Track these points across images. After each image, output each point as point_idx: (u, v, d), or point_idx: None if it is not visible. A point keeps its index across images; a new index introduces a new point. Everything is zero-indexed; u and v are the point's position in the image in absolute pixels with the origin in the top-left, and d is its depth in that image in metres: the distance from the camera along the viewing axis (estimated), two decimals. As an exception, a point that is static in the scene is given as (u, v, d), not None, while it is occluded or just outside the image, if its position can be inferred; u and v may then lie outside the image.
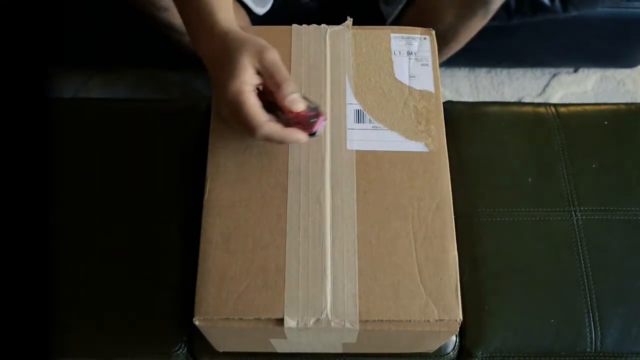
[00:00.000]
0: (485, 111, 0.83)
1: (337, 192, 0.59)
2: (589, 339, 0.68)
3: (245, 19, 0.90)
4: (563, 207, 0.74)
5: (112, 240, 0.71)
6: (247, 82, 0.56)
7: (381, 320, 0.55)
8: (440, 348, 0.69)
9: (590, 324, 0.69)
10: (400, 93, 0.65)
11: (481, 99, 1.24)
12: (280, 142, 0.57)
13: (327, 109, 0.63)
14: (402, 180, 0.60)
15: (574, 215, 0.74)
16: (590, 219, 0.74)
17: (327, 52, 0.67)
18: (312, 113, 0.57)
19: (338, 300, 0.55)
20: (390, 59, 0.67)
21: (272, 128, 0.55)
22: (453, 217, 0.59)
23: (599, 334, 0.69)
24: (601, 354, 0.69)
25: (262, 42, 0.57)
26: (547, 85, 1.26)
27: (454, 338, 0.70)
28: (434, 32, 0.69)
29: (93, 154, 0.76)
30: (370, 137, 0.62)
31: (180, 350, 0.69)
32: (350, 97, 0.64)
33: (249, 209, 0.59)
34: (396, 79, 0.66)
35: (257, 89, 0.58)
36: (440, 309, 0.55)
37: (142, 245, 0.71)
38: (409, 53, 0.67)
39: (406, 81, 0.66)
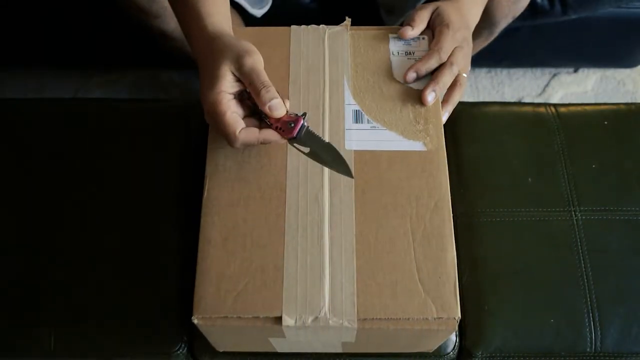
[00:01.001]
0: (485, 111, 0.83)
1: (335, 192, 0.59)
2: (589, 339, 0.68)
3: (237, 22, 0.90)
4: (563, 207, 0.74)
5: (112, 240, 0.71)
6: (225, 91, 0.56)
7: (379, 319, 0.55)
8: (440, 348, 0.69)
9: (590, 324, 0.69)
10: (398, 93, 0.65)
11: (481, 99, 1.24)
12: (261, 143, 0.57)
13: (326, 110, 0.63)
14: (401, 180, 0.60)
15: (574, 216, 0.74)
16: (590, 219, 0.74)
17: (326, 52, 0.67)
18: (292, 117, 0.58)
19: (336, 299, 0.55)
20: (389, 59, 0.67)
21: (246, 136, 0.56)
22: (452, 216, 0.59)
23: (599, 334, 0.68)
24: (601, 354, 0.69)
25: (245, 47, 0.57)
26: (547, 85, 1.26)
27: (453, 338, 0.70)
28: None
29: (93, 154, 0.76)
30: (368, 137, 0.62)
31: (180, 350, 0.69)
32: (348, 98, 0.64)
33: (247, 208, 0.59)
34: (394, 79, 0.66)
35: (246, 91, 0.58)
36: (439, 307, 0.55)
37: (142, 245, 0.71)
38: (408, 53, 0.67)
39: (404, 81, 0.66)
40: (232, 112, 0.56)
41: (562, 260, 0.71)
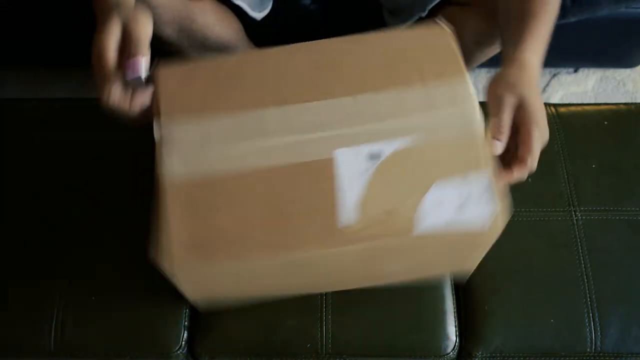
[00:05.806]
0: (486, 111, 0.82)
1: None
2: (589, 339, 0.68)
3: (236, 27, 0.88)
4: (563, 207, 0.74)
5: (112, 239, 0.71)
6: None
7: None
8: (440, 348, 0.69)
9: (590, 324, 0.69)
10: None
11: (481, 99, 1.24)
12: None
13: None
14: None
15: (574, 215, 0.74)
16: (590, 219, 0.74)
17: None
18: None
19: None
20: None
21: None
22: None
23: (599, 334, 0.69)
24: (601, 354, 0.69)
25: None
26: (547, 85, 1.26)
27: (453, 338, 0.70)
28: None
29: (93, 153, 0.76)
30: None
31: (180, 350, 0.69)
32: None
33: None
34: None
35: None
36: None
37: (142, 245, 0.71)
38: None
39: None
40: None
41: (562, 260, 0.71)
